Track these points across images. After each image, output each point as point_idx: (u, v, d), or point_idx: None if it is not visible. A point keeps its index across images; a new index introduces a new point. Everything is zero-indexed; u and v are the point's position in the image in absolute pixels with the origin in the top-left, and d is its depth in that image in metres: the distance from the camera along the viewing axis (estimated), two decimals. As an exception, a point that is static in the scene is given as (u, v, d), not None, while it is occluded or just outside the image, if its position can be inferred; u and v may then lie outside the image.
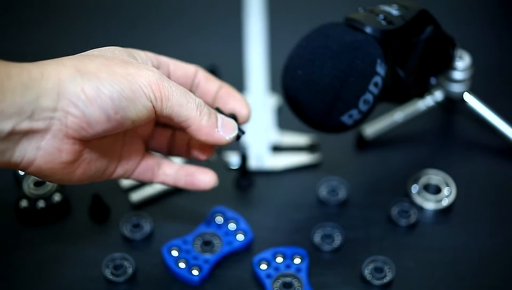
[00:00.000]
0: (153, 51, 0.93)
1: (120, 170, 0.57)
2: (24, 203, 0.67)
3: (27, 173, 0.50)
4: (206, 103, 0.56)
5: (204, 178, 0.59)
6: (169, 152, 0.62)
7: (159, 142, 0.61)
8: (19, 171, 0.70)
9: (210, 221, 0.66)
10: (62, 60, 0.48)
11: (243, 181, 0.71)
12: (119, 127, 0.50)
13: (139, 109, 0.49)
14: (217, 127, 0.55)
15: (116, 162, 0.56)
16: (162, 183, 0.60)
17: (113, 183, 0.70)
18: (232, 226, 0.65)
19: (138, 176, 0.59)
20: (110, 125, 0.49)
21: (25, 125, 0.46)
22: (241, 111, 0.59)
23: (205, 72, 0.60)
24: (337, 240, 0.65)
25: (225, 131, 0.55)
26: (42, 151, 0.48)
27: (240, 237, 0.65)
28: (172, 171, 0.59)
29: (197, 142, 0.61)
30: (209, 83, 0.59)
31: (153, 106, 0.50)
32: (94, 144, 0.52)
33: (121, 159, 0.57)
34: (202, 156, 0.61)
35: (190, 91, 0.56)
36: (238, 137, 0.57)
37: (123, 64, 0.50)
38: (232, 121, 0.56)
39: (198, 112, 0.53)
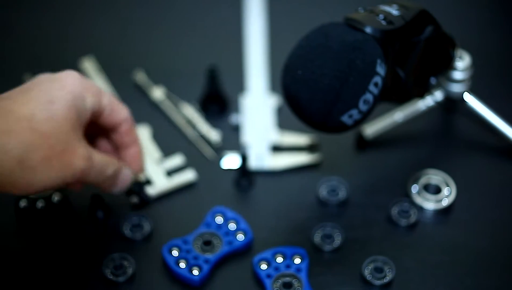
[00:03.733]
0: (153, 51, 0.93)
1: None
2: (24, 203, 0.67)
3: None
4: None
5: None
6: None
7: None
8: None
9: (210, 221, 0.66)
10: (9, 141, 0.53)
11: (243, 181, 0.71)
12: None
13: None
14: (115, 186, 0.63)
15: None
16: None
17: (113, 183, 0.70)
18: (232, 226, 0.65)
19: None
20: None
21: None
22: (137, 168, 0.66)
23: (130, 124, 0.64)
24: (337, 240, 0.65)
25: (118, 189, 0.64)
26: None
27: (240, 237, 0.65)
28: None
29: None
30: (125, 137, 0.65)
31: (68, 183, 0.57)
32: None
33: None
34: None
35: (107, 132, 0.65)
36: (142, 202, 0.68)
37: (61, 154, 0.55)
38: (129, 178, 0.64)
39: (106, 180, 0.61)
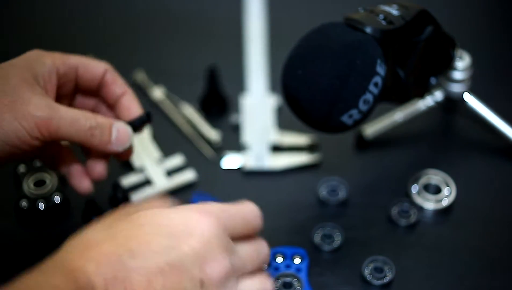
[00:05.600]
0: (153, 51, 0.93)
1: None
2: (24, 203, 0.67)
3: None
4: (108, 106, 0.63)
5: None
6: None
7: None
8: (19, 171, 0.70)
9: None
10: None
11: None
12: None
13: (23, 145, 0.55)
14: (110, 143, 0.59)
15: None
16: None
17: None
18: None
19: None
20: None
21: None
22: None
23: (113, 73, 0.62)
24: (337, 240, 0.65)
25: (118, 144, 0.59)
26: None
27: None
28: None
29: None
30: (113, 87, 0.63)
31: (39, 138, 0.55)
32: None
33: None
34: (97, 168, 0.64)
35: (97, 92, 0.63)
36: (145, 122, 0.63)
37: (11, 104, 0.54)
38: (127, 131, 0.60)
39: (90, 134, 0.57)
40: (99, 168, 0.63)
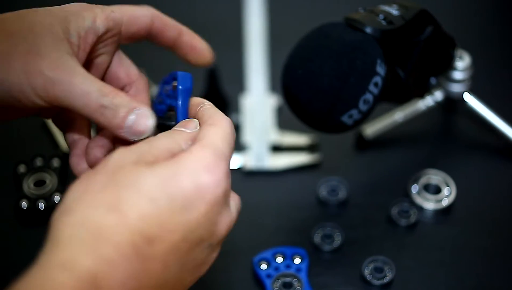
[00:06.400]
0: (154, 51, 0.93)
1: None
2: (24, 203, 0.67)
3: None
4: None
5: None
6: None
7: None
8: (19, 171, 0.70)
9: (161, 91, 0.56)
10: None
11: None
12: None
13: (25, 99, 0.48)
14: (121, 128, 0.49)
15: None
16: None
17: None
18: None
19: None
20: None
21: None
22: (202, 53, 0.58)
23: (161, 18, 0.56)
24: (337, 240, 0.65)
25: (131, 132, 0.49)
26: None
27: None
28: None
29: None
30: (165, 33, 0.56)
31: (44, 99, 0.48)
32: None
33: None
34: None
35: (147, 39, 0.56)
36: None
37: (24, 55, 0.47)
38: (147, 121, 0.50)
39: (99, 112, 0.49)
40: (97, 152, 0.53)
